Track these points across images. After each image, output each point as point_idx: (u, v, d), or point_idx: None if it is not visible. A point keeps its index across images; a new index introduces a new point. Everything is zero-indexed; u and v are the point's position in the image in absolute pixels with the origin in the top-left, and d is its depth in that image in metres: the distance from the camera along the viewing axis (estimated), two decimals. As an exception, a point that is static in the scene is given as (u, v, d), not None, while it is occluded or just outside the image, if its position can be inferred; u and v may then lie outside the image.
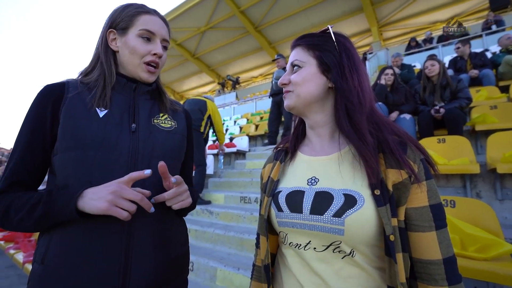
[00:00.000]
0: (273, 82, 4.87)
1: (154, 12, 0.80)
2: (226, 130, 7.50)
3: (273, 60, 5.16)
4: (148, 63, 0.77)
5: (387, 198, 0.55)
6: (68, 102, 0.70)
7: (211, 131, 4.10)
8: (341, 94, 0.64)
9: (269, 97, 5.29)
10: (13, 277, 3.34)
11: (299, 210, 0.61)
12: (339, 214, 0.55)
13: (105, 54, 0.78)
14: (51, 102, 0.70)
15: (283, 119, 5.08)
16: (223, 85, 16.25)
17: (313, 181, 0.64)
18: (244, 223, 2.87)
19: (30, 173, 0.69)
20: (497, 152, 2.43)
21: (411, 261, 0.56)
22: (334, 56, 0.66)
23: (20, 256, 3.22)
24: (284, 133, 4.93)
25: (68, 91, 0.72)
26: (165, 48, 0.82)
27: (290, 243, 0.64)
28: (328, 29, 0.68)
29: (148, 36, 0.76)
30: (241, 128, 7.34)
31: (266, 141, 5.25)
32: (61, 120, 0.68)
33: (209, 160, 4.79)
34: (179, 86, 19.91)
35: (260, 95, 11.91)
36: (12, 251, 3.47)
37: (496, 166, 2.18)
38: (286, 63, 5.07)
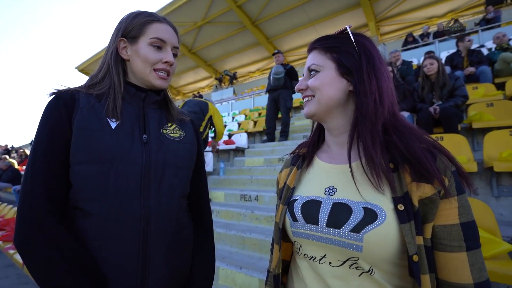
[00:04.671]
0: (271, 77, 4.82)
1: (164, 20, 0.79)
2: (225, 126, 7.49)
3: (273, 54, 5.12)
4: (159, 70, 0.77)
5: (411, 214, 0.50)
6: (80, 113, 0.69)
7: (210, 134, 4.12)
8: (358, 98, 0.61)
9: (265, 93, 5.26)
10: (12, 276, 3.33)
11: (315, 222, 0.58)
12: (357, 229, 0.52)
13: (115, 63, 0.77)
14: (65, 111, 0.68)
15: (280, 115, 5.08)
16: (220, 80, 16.14)
17: (330, 190, 0.61)
18: (244, 221, 2.90)
19: (59, 184, 0.66)
20: (493, 151, 2.48)
21: (437, 282, 0.52)
22: (354, 58, 0.62)
23: (19, 256, 3.21)
24: (283, 129, 4.95)
25: (79, 101, 0.71)
26: (175, 55, 0.82)
27: (305, 254, 0.62)
28: (346, 29, 0.65)
29: (159, 45, 0.76)
30: (239, 124, 7.33)
31: (265, 137, 5.26)
32: (74, 132, 0.67)
33: (208, 157, 4.79)
34: (176, 81, 19.76)
35: (258, 90, 11.88)
36: (11, 251, 3.45)
37: (493, 165, 2.22)
38: (285, 59, 5.04)
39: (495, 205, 2.39)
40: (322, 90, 0.63)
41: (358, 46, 0.63)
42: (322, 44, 0.66)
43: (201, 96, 8.13)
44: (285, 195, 0.69)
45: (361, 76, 0.61)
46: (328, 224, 0.56)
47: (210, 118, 3.78)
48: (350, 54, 0.62)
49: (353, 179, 0.58)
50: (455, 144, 2.66)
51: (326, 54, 0.64)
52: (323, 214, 0.58)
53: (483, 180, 2.51)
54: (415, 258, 0.48)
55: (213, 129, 3.96)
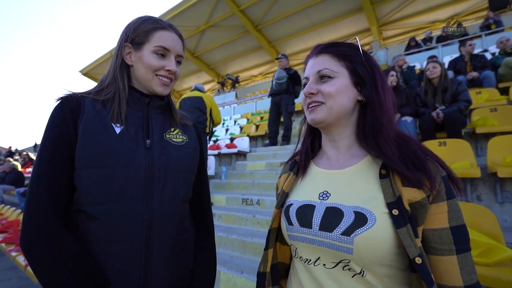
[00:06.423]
0: (274, 82, 4.84)
1: (170, 27, 0.80)
2: (227, 130, 7.52)
3: (276, 59, 5.12)
4: (161, 76, 0.78)
5: (406, 218, 0.51)
6: (85, 118, 0.70)
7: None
8: (372, 109, 0.63)
9: (268, 97, 5.28)
10: (14, 279, 3.32)
11: (309, 225, 0.60)
12: (348, 232, 0.54)
13: (120, 68, 0.79)
14: (71, 117, 0.70)
15: (282, 119, 5.09)
16: (222, 84, 16.21)
17: (324, 195, 0.63)
18: (246, 226, 2.89)
19: (64, 188, 0.67)
20: (497, 156, 2.46)
21: None
22: (366, 69, 0.64)
23: (21, 259, 3.21)
24: (285, 133, 4.95)
25: (85, 106, 0.73)
26: (179, 63, 0.82)
27: (300, 257, 0.64)
28: (355, 40, 0.67)
29: (162, 53, 0.77)
30: (241, 128, 7.35)
31: (267, 141, 5.26)
32: (79, 136, 0.68)
33: (210, 161, 4.80)
34: (179, 85, 19.84)
35: (260, 94, 11.90)
36: (13, 254, 3.45)
37: (496, 170, 2.20)
38: (289, 63, 5.01)
39: (499, 211, 2.36)
40: (336, 97, 0.63)
41: (367, 58, 0.66)
42: (336, 50, 0.66)
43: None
44: (281, 200, 0.72)
45: (375, 87, 0.64)
46: (321, 228, 0.58)
47: (210, 111, 3.79)
48: (363, 65, 0.65)
49: (347, 184, 0.61)
50: (458, 149, 2.64)
51: (340, 61, 0.65)
52: (317, 218, 0.60)
53: (487, 186, 2.49)
54: (418, 260, 0.49)
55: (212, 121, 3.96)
